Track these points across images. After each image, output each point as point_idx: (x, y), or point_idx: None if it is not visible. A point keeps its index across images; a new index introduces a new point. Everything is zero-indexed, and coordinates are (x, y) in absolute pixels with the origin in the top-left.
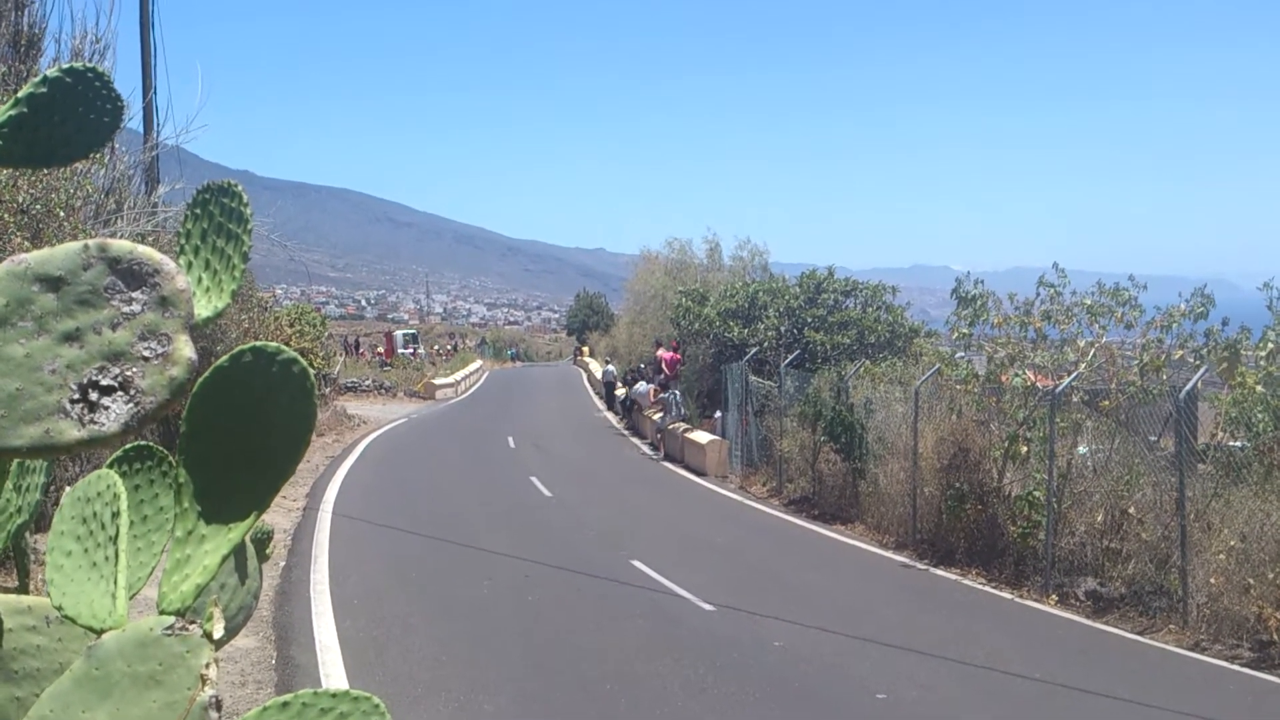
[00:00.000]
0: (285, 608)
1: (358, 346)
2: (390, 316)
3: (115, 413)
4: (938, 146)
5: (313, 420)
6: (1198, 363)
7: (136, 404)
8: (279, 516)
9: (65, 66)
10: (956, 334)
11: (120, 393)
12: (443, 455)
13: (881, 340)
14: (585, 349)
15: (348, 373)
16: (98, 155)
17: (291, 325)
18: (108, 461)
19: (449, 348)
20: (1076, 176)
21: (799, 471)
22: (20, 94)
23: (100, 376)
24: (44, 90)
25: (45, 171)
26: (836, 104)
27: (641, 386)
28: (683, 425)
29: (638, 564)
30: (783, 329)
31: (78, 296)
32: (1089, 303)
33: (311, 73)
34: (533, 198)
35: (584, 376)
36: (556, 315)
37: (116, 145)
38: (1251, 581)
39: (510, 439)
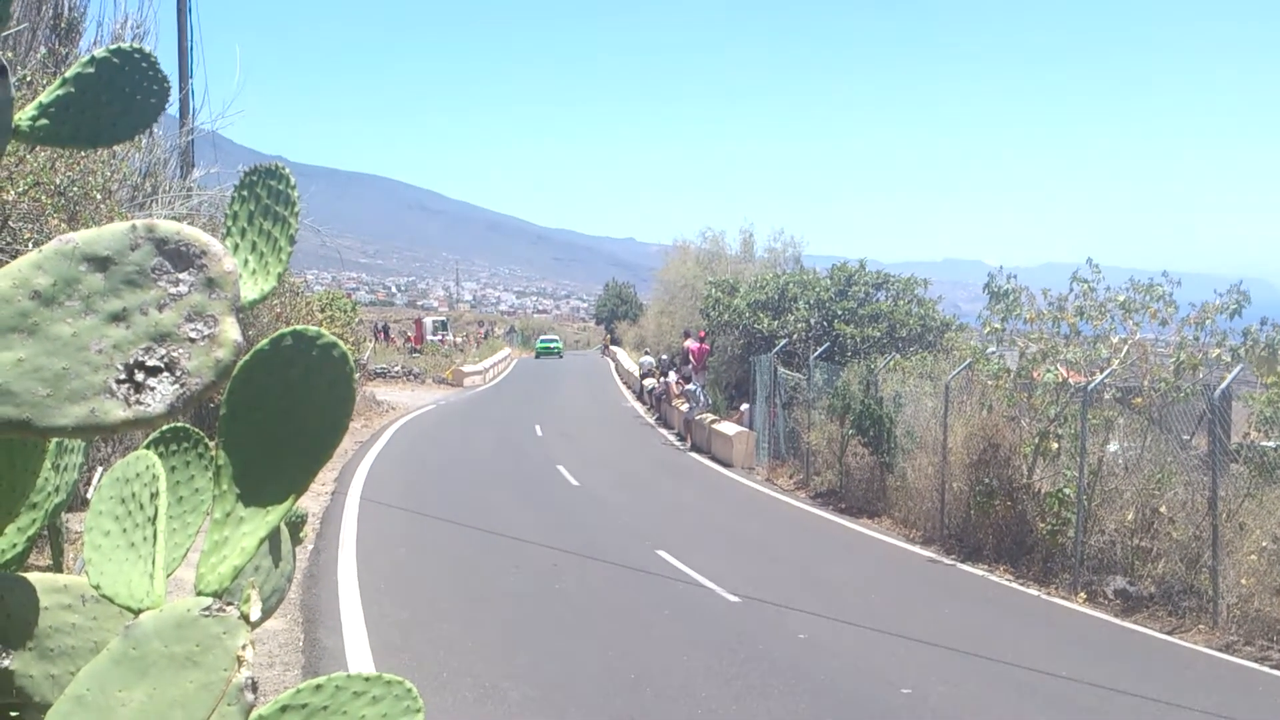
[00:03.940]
0: (313, 590)
1: (388, 332)
2: (420, 303)
3: (161, 393)
4: (972, 140)
5: (351, 404)
6: (1234, 361)
7: (182, 385)
8: (308, 500)
9: (113, 47)
10: (988, 329)
11: (166, 373)
12: (471, 442)
13: (912, 334)
14: (607, 337)
15: (377, 359)
16: (135, 139)
17: (323, 310)
18: (144, 443)
19: (480, 335)
20: (1111, 172)
21: (826, 464)
22: (68, 74)
23: (146, 357)
24: (91, 71)
25: (83, 154)
26: (870, 97)
27: (671, 377)
28: (710, 416)
29: (663, 554)
30: (812, 321)
31: (125, 277)
32: (1123, 299)
33: (344, 59)
34: (563, 186)
35: (612, 366)
36: (585, 304)
37: (154, 129)
38: None
39: (538, 427)
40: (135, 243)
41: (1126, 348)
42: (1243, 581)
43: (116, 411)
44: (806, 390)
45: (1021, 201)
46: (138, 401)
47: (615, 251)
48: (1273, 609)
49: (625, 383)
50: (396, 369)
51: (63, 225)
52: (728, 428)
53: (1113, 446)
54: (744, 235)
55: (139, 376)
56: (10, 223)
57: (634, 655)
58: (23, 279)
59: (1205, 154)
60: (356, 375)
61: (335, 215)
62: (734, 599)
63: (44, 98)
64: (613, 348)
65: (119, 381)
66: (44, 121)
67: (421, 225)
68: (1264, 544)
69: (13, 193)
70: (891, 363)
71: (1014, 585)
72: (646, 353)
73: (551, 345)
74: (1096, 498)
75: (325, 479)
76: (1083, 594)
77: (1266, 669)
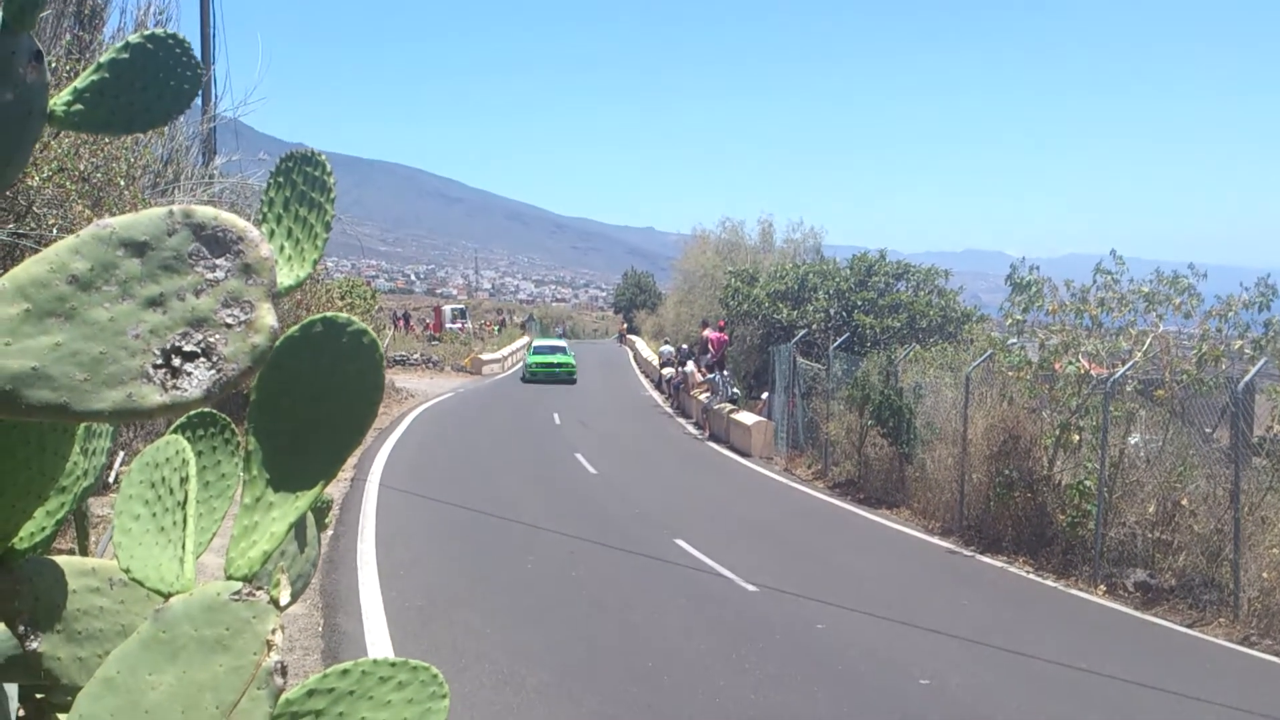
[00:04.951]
0: (332, 576)
1: (407, 320)
2: (439, 291)
3: (198, 379)
4: (995, 130)
5: (380, 391)
6: (1256, 354)
7: (218, 370)
8: (328, 487)
9: (147, 33)
10: (1010, 320)
11: (203, 359)
12: (489, 430)
13: (933, 325)
14: (623, 325)
15: (396, 346)
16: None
17: (343, 298)
18: (172, 428)
19: (499, 321)
20: (1135, 163)
21: (845, 455)
22: (103, 59)
23: (183, 342)
24: (126, 56)
25: (106, 141)
26: (891, 87)
27: (689, 366)
28: (728, 406)
29: (681, 543)
30: (832, 311)
31: (162, 262)
32: (1146, 291)
33: (364, 46)
34: (583, 175)
35: (630, 355)
36: (604, 293)
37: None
38: None
39: (556, 415)
40: (172, 228)
41: (1150, 340)
42: (1264, 575)
43: (153, 396)
44: (825, 380)
45: (1044, 192)
46: (174, 386)
47: (634, 240)
48: None
49: (643, 372)
50: (415, 357)
51: (87, 211)
52: (746, 417)
53: (1134, 439)
54: (763, 225)
55: (175, 361)
56: (35, 208)
57: (651, 643)
58: (60, 264)
59: (1233, 145)
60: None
61: (355, 203)
62: (751, 588)
63: (79, 83)
64: (631, 336)
65: (156, 366)
66: (79, 107)
67: (441, 213)
68: None
69: (37, 178)
70: (911, 353)
71: (1033, 577)
72: (666, 342)
73: (555, 362)
74: (1117, 490)
75: (345, 465)
76: (1102, 586)
77: None
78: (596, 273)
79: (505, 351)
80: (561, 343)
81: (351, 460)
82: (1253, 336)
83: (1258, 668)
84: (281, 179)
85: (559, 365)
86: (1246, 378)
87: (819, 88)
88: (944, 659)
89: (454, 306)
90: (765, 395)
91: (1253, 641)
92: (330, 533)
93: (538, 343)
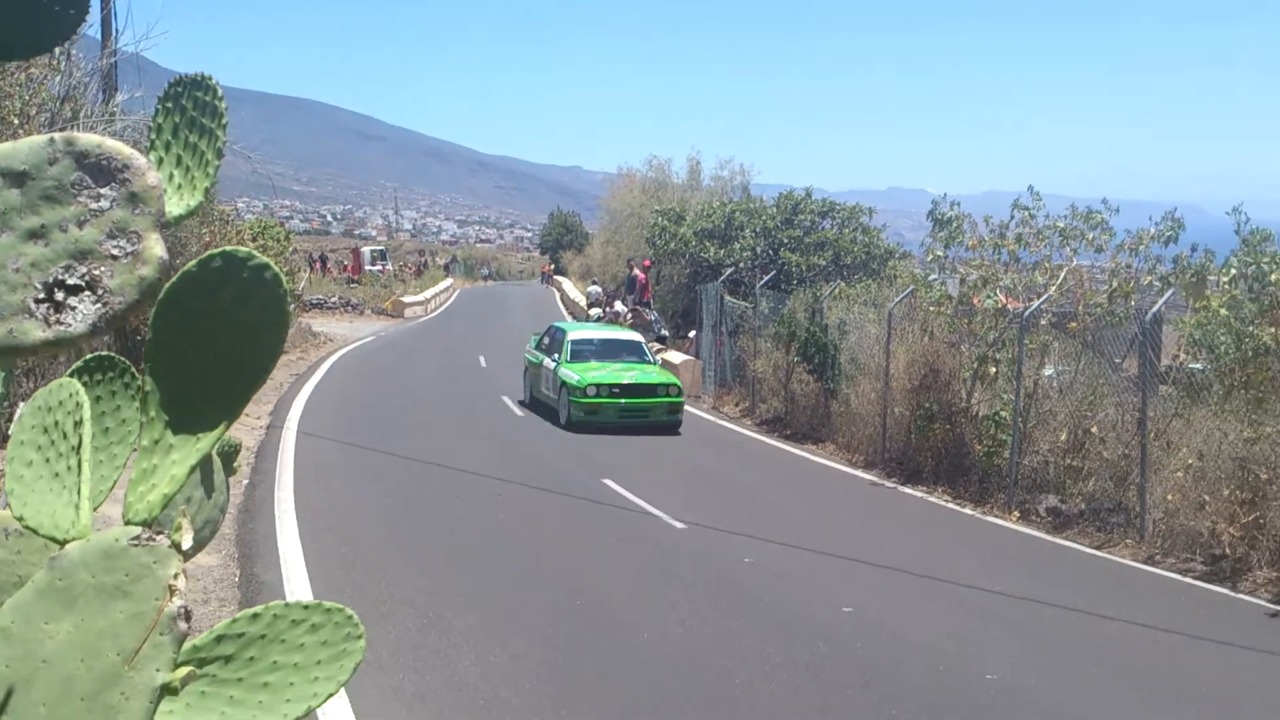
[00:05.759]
0: (249, 525)
1: (324, 263)
2: (357, 232)
3: (82, 313)
4: (915, 69)
5: (285, 328)
6: (1164, 287)
7: (104, 304)
8: (243, 434)
9: None
10: (931, 256)
11: (87, 292)
12: (412, 374)
13: (857, 262)
14: (549, 266)
15: (313, 289)
16: (53, 62)
17: (255, 239)
18: (68, 372)
19: (420, 264)
20: (1051, 100)
21: (772, 392)
22: None
23: (67, 275)
24: None
25: None
26: (815, 25)
27: (619, 306)
28: (656, 345)
29: (609, 483)
30: (759, 250)
31: (43, 192)
32: (1062, 226)
33: None
34: (507, 113)
35: (557, 296)
36: (530, 234)
37: (73, 52)
38: (1207, 498)
39: (482, 358)
40: (54, 156)
41: (1064, 274)
42: (1169, 498)
43: (35, 332)
44: (753, 318)
45: (965, 129)
46: (58, 321)
47: (560, 180)
48: (1196, 523)
49: (571, 313)
50: (334, 300)
51: None
52: (674, 356)
53: (1048, 370)
54: (691, 163)
55: (59, 296)
56: None
57: (579, 583)
58: None
59: (1145, 82)
60: (292, 303)
61: (267, 141)
62: (680, 526)
63: None
64: (558, 278)
65: (38, 301)
66: None
67: (358, 152)
68: (1190, 461)
69: None
70: (836, 290)
71: (951, 505)
72: (594, 282)
73: (637, 384)
74: (1031, 420)
75: (260, 412)
76: (1016, 512)
77: (1189, 580)
78: (522, 213)
79: (428, 294)
80: (634, 335)
81: (267, 407)
82: (1162, 271)
83: (1161, 585)
84: (170, 104)
85: (649, 391)
86: (1154, 309)
87: (748, 25)
88: (865, 587)
89: (373, 248)
90: (693, 334)
91: (1156, 560)
92: (247, 481)
93: (575, 333)
